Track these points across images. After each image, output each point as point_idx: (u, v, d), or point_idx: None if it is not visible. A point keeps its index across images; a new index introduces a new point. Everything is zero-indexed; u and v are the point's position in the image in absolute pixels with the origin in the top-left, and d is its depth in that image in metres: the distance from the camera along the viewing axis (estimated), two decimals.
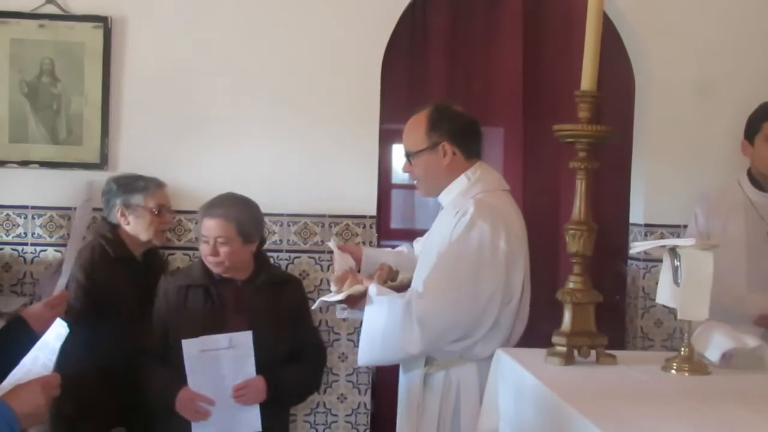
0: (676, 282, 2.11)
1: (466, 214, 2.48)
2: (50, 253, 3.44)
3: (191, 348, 2.70)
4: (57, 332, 2.02)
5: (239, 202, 2.88)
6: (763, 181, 3.10)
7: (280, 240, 3.51)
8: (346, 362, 3.55)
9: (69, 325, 2.04)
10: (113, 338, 2.82)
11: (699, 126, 3.61)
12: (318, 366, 3.04)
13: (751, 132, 3.10)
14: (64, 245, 2.97)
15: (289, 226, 3.52)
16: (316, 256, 3.51)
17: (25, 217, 3.44)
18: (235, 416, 2.74)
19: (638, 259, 3.64)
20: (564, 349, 2.17)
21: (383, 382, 3.55)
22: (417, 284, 2.53)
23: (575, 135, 2.21)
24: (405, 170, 2.71)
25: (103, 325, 2.86)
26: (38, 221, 3.44)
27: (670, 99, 3.62)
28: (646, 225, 3.62)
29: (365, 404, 3.57)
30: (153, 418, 2.84)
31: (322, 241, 3.46)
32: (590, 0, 2.17)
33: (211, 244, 2.79)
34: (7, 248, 3.44)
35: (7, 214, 3.44)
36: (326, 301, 2.60)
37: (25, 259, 3.45)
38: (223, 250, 2.78)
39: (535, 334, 2.53)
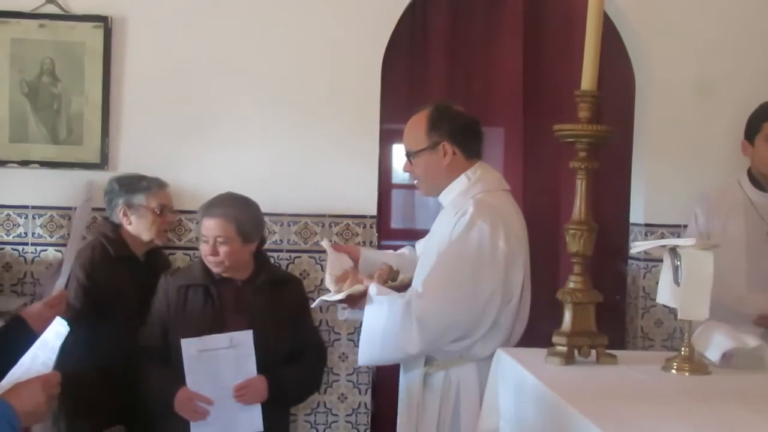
0: (676, 282, 2.11)
1: (465, 214, 2.48)
2: (51, 253, 3.44)
3: (191, 348, 2.70)
4: (56, 331, 2.02)
5: (239, 201, 2.88)
6: (763, 181, 3.10)
7: (281, 240, 3.51)
8: (346, 362, 3.55)
9: (68, 324, 2.04)
10: (113, 338, 2.82)
11: (699, 126, 3.61)
12: (318, 366, 3.04)
13: (751, 132, 3.10)
14: (65, 245, 2.97)
15: (289, 225, 3.52)
16: (317, 255, 3.51)
17: (26, 217, 3.44)
18: (236, 416, 2.74)
19: (638, 259, 3.64)
20: (564, 348, 2.17)
21: (383, 381, 3.55)
22: (417, 284, 2.53)
23: (575, 135, 2.21)
24: (405, 170, 2.71)
25: (104, 324, 2.86)
26: (39, 221, 3.44)
27: (670, 99, 3.63)
28: (647, 225, 3.63)
29: (366, 404, 3.57)
30: (152, 418, 2.84)
31: (329, 239, 3.45)
32: (590, 0, 2.17)
33: (210, 244, 2.79)
34: (8, 248, 3.45)
35: (8, 214, 3.44)
36: (326, 301, 2.61)
37: (25, 259, 3.45)
38: (222, 249, 2.78)
39: (536, 333, 2.53)
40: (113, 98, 3.44)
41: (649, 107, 3.65)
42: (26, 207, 3.44)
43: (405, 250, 2.95)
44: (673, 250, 2.13)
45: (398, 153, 3.68)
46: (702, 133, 3.61)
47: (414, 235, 3.67)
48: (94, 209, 3.27)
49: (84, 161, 3.42)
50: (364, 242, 3.51)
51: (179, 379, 2.72)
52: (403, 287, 2.60)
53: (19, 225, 3.44)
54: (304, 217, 3.52)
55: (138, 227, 3.08)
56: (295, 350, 2.89)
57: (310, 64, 3.50)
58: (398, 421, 2.69)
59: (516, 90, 3.73)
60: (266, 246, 3.15)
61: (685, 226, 3.32)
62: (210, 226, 2.80)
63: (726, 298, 2.60)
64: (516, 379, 2.16)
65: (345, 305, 2.65)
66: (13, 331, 2.27)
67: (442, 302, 2.43)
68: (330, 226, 3.53)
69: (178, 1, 3.48)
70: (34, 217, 3.44)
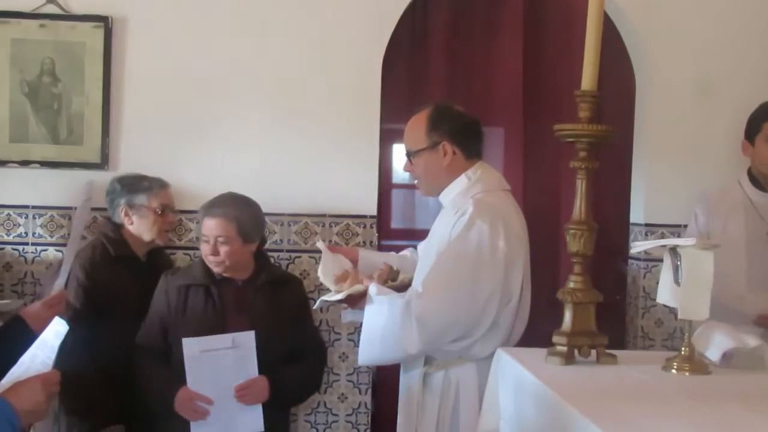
0: (676, 282, 2.11)
1: (465, 214, 2.48)
2: (51, 252, 3.44)
3: (192, 347, 2.70)
4: (56, 330, 2.02)
5: (240, 201, 2.88)
6: (763, 181, 3.11)
7: (281, 240, 3.51)
8: (346, 362, 3.55)
9: (68, 324, 2.05)
10: (113, 337, 2.82)
11: (699, 126, 3.61)
12: (319, 366, 3.04)
13: (751, 132, 3.11)
14: (65, 245, 2.97)
15: (289, 225, 3.52)
16: (317, 255, 3.49)
17: (26, 217, 3.44)
18: (237, 416, 2.74)
19: (639, 259, 3.64)
20: (564, 348, 2.17)
21: (384, 381, 3.55)
22: (417, 284, 2.54)
23: (576, 135, 2.21)
24: (406, 169, 2.71)
25: (104, 324, 2.87)
26: (39, 221, 3.44)
27: (670, 99, 3.62)
28: (647, 225, 3.63)
29: (366, 404, 3.57)
30: (152, 418, 2.84)
31: (323, 240, 3.46)
32: (590, 0, 2.17)
33: (211, 244, 2.79)
34: (8, 248, 3.45)
35: (8, 214, 3.44)
36: (327, 301, 2.61)
37: (25, 258, 3.45)
38: (223, 249, 2.79)
39: (536, 333, 2.53)
40: (113, 98, 3.44)
41: (649, 107, 3.65)
42: (26, 207, 3.44)
43: (407, 252, 2.95)
44: (674, 250, 2.13)
45: (398, 153, 3.68)
46: (702, 133, 3.61)
47: (414, 235, 3.68)
48: (94, 209, 3.28)
49: (84, 161, 3.42)
50: (364, 242, 3.51)
51: (179, 378, 2.72)
52: (404, 287, 2.60)
53: (20, 225, 3.44)
54: (304, 217, 3.52)
55: (139, 227, 3.08)
56: (295, 350, 2.89)
57: (310, 64, 3.50)
58: (398, 420, 2.69)
59: (516, 90, 3.73)
60: (266, 246, 3.15)
61: (685, 226, 3.33)
62: (211, 226, 2.80)
63: (726, 297, 2.60)
64: (516, 378, 2.16)
65: (345, 305, 2.65)
66: (13, 331, 2.27)
67: (442, 302, 2.43)
68: (330, 226, 3.53)
69: (178, 2, 3.48)
70: (34, 217, 3.44)
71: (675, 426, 1.66)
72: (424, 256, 2.66)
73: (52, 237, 3.44)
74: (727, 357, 2.16)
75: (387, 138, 3.60)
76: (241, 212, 2.83)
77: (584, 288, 2.21)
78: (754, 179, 3.13)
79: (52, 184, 3.44)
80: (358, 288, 2.53)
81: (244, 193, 2.93)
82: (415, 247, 2.94)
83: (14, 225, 3.44)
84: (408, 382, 2.65)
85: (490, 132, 3.07)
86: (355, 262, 2.85)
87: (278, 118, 3.50)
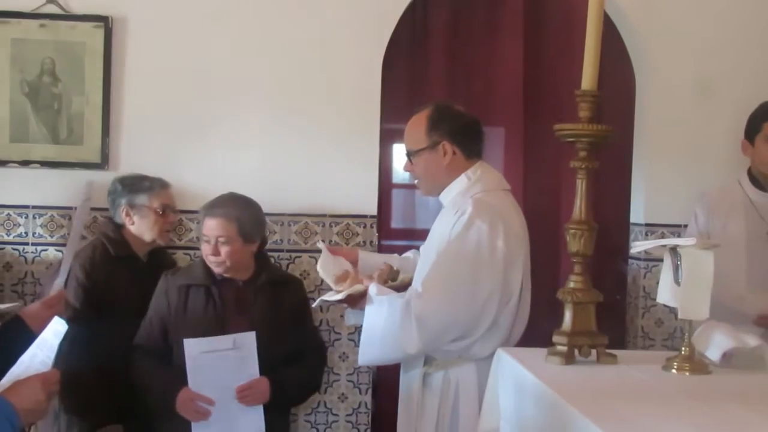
0: (676, 281, 2.11)
1: (464, 214, 2.48)
2: (51, 252, 3.44)
3: (193, 348, 2.70)
4: (55, 329, 2.02)
5: (241, 202, 2.88)
6: (763, 181, 3.11)
7: (281, 240, 3.51)
8: (346, 362, 3.55)
9: (67, 323, 2.05)
10: (113, 337, 2.83)
11: (699, 126, 3.61)
12: (319, 366, 3.04)
13: (751, 131, 3.11)
14: (65, 245, 2.97)
15: (289, 225, 3.52)
16: (317, 255, 3.46)
17: (26, 217, 3.44)
18: (238, 417, 2.74)
19: (639, 259, 3.64)
20: (565, 348, 2.17)
21: (384, 381, 3.55)
22: (417, 284, 2.54)
23: (576, 134, 2.21)
24: (406, 169, 2.71)
25: (103, 323, 2.87)
26: (39, 221, 3.44)
27: (670, 99, 3.63)
28: (647, 224, 3.63)
29: (366, 404, 3.57)
30: (153, 418, 2.84)
31: (322, 240, 3.46)
32: (590, 0, 2.17)
33: (212, 244, 2.79)
34: (8, 248, 3.45)
35: (8, 214, 3.44)
36: (326, 300, 2.61)
37: (26, 258, 3.45)
38: (224, 249, 2.79)
39: (536, 333, 2.53)
40: (113, 98, 3.44)
41: (649, 107, 3.65)
42: (27, 207, 3.44)
43: (410, 254, 2.94)
44: (674, 250, 2.13)
45: (398, 153, 3.68)
46: (702, 133, 3.61)
47: (414, 235, 3.68)
48: (95, 209, 3.28)
49: (84, 161, 3.42)
50: (364, 242, 3.51)
51: (180, 379, 2.72)
52: (404, 287, 2.60)
53: (20, 225, 3.44)
54: (304, 217, 3.52)
55: (140, 227, 3.08)
56: (295, 351, 2.89)
57: (310, 64, 3.50)
58: (398, 420, 2.69)
59: (516, 90, 3.73)
60: (266, 246, 3.15)
61: (686, 226, 3.33)
62: (212, 226, 2.80)
63: (726, 297, 2.61)
64: (516, 378, 2.16)
65: (345, 305, 2.65)
66: (12, 331, 2.27)
67: (441, 302, 2.43)
68: (330, 226, 3.53)
69: (178, 1, 3.48)
70: (34, 217, 3.44)
71: (675, 426, 1.66)
72: (423, 256, 2.66)
73: (52, 237, 3.44)
74: (727, 357, 2.16)
75: (387, 138, 3.60)
76: (241, 212, 2.83)
77: (584, 288, 2.21)
78: (754, 179, 3.13)
79: (52, 184, 3.44)
80: (357, 288, 2.53)
81: (244, 193, 2.93)
82: (417, 248, 2.95)
83: (14, 225, 3.44)
84: (408, 381, 2.65)
85: (490, 132, 3.07)
86: (355, 263, 2.85)
87: (278, 118, 3.50)
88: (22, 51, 3.39)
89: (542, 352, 2.22)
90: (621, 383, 2.03)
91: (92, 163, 3.42)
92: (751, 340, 2.19)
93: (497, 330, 2.50)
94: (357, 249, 3.09)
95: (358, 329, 3.25)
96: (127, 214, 3.08)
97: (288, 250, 3.52)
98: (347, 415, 3.57)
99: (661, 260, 2.20)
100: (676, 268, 2.11)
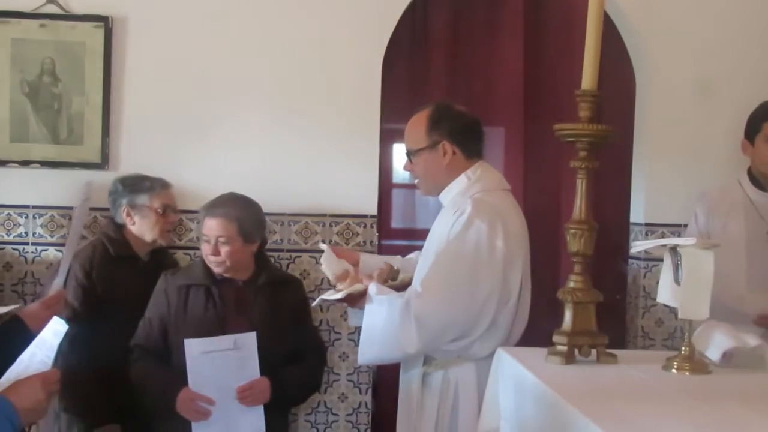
0: (676, 281, 2.11)
1: (463, 214, 2.48)
2: (51, 252, 3.44)
3: (194, 348, 2.69)
4: (55, 329, 2.02)
5: (241, 202, 2.88)
6: (763, 181, 3.11)
7: (281, 239, 3.51)
8: (346, 362, 3.55)
9: (66, 323, 2.05)
10: (113, 337, 2.83)
11: (699, 126, 3.61)
12: (319, 366, 3.04)
13: (751, 131, 3.11)
14: (65, 245, 2.97)
15: (289, 225, 3.52)
16: (317, 255, 3.49)
17: (26, 217, 3.44)
18: (239, 417, 2.74)
19: (639, 259, 3.64)
20: (565, 348, 2.17)
21: (384, 381, 3.55)
22: (416, 284, 2.54)
23: (576, 134, 2.21)
24: (406, 169, 2.71)
25: (103, 323, 2.87)
26: (39, 221, 3.44)
27: (670, 99, 3.63)
28: (647, 224, 3.63)
29: (366, 403, 3.57)
30: (153, 418, 2.84)
31: (323, 241, 3.46)
32: (590, 0, 2.17)
33: (212, 244, 2.79)
34: (8, 248, 3.45)
35: (8, 214, 3.44)
36: (326, 300, 2.61)
37: (26, 258, 3.45)
38: (224, 249, 2.79)
39: (536, 333, 2.53)
40: (113, 98, 3.44)
41: (649, 107, 3.66)
42: (27, 207, 3.44)
43: (413, 255, 2.94)
44: (674, 250, 2.13)
45: (399, 153, 3.68)
46: (702, 133, 3.61)
47: (414, 235, 3.68)
48: (94, 209, 3.28)
49: (84, 161, 3.42)
50: (364, 242, 3.51)
51: (181, 379, 2.71)
52: (403, 287, 2.61)
53: (20, 225, 3.44)
54: (304, 217, 3.52)
55: (141, 227, 3.08)
56: (295, 351, 2.89)
57: (310, 64, 3.50)
58: (398, 420, 2.69)
59: (516, 90, 3.73)
60: (266, 246, 3.15)
61: (686, 226, 3.33)
62: (212, 226, 2.80)
63: (726, 297, 2.61)
64: (516, 378, 2.16)
65: (345, 304, 2.65)
66: (10, 331, 2.27)
67: (440, 302, 2.43)
68: (330, 226, 3.53)
69: (178, 1, 3.48)
70: (34, 217, 3.44)
71: (675, 426, 1.66)
72: (423, 256, 2.66)
73: (52, 237, 3.44)
74: (727, 357, 2.16)
75: (387, 138, 3.61)
76: (242, 212, 2.83)
77: (584, 287, 2.21)
78: (754, 179, 3.13)
79: (52, 184, 3.44)
80: (357, 287, 2.53)
81: (244, 193, 2.93)
82: (420, 249, 2.95)
83: (14, 225, 3.45)
84: (407, 381, 2.65)
85: (490, 132, 3.07)
86: (355, 265, 2.84)
87: (278, 118, 3.50)
88: (22, 51, 3.39)
89: (542, 351, 2.22)
90: (621, 383, 2.03)
91: (92, 163, 3.42)
92: (751, 340, 2.19)
93: (496, 330, 2.50)
94: (358, 252, 3.08)
95: (358, 329, 3.26)
96: (128, 214, 3.08)
97: (288, 250, 3.52)
98: (347, 414, 3.57)
99: (661, 260, 2.20)
100: (676, 268, 2.11)
